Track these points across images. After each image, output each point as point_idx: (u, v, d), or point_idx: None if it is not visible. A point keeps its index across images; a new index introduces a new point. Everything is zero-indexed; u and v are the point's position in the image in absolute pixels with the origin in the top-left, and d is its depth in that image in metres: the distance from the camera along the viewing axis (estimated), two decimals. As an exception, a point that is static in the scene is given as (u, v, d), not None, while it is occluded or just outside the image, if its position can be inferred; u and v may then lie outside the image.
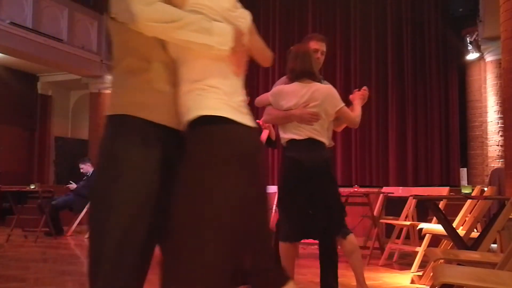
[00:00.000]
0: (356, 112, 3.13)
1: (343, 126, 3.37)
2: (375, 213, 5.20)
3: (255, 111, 2.88)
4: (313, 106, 2.93)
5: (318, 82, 3.04)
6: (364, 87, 3.28)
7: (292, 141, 3.00)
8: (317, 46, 3.31)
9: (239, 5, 1.65)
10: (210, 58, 1.52)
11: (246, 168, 1.46)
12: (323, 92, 2.96)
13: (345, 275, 3.88)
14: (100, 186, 1.49)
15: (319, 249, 3.21)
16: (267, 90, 3.86)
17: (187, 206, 1.43)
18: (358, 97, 3.21)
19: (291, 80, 3.06)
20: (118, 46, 1.58)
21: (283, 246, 3.08)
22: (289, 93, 3.00)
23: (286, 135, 3.05)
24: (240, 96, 1.57)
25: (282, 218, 3.14)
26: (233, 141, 1.47)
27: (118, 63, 1.56)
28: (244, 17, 1.65)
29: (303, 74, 3.00)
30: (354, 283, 3.52)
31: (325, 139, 3.02)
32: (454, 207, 4.57)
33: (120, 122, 1.50)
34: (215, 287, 1.41)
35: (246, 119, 1.53)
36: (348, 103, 3.16)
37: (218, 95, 1.50)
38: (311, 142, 2.96)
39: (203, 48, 1.48)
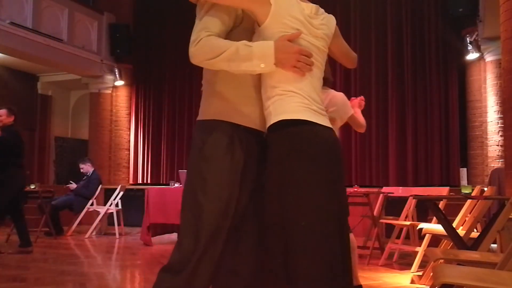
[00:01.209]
0: (360, 117, 3.40)
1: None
2: (375, 213, 5.20)
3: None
4: (332, 111, 3.11)
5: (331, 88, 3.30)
6: (361, 97, 3.51)
7: None
8: None
9: (321, 11, 1.78)
10: None
11: (330, 164, 1.62)
12: (340, 99, 3.21)
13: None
14: (191, 185, 1.68)
15: None
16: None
17: (286, 205, 1.58)
18: (356, 105, 3.44)
19: None
20: None
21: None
22: None
23: None
24: (317, 98, 1.67)
25: None
26: (315, 139, 1.60)
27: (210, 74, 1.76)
28: (326, 23, 1.76)
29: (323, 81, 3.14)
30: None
31: None
32: (454, 207, 4.57)
33: (210, 126, 1.69)
34: (334, 278, 1.55)
35: (324, 121, 1.65)
36: None
37: (297, 99, 1.62)
38: None
39: (248, 72, 1.63)
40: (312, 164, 1.58)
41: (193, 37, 1.63)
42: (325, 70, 3.13)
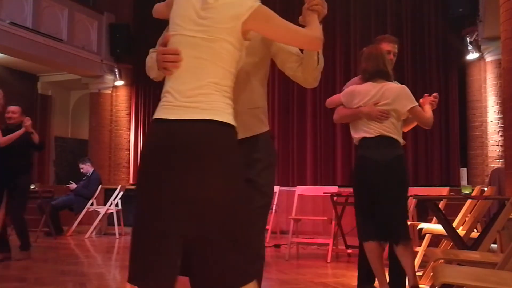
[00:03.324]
0: (428, 114, 3.18)
1: (411, 126, 3.41)
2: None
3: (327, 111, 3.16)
4: (383, 104, 3.00)
5: (391, 81, 3.11)
6: (435, 94, 3.31)
7: (363, 139, 3.06)
8: (390, 48, 3.48)
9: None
10: None
11: (154, 159, 1.63)
12: (395, 92, 3.04)
13: (345, 275, 3.89)
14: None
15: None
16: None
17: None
18: (429, 101, 3.26)
19: (365, 80, 3.16)
20: None
21: (367, 246, 3.07)
22: (361, 92, 3.10)
23: (357, 134, 3.11)
24: (188, 91, 1.63)
25: (362, 218, 3.12)
26: (149, 137, 1.69)
27: None
28: (215, 12, 1.61)
29: (376, 74, 3.10)
30: (354, 283, 3.53)
31: (398, 137, 3.06)
32: (454, 207, 4.57)
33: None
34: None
35: (185, 114, 1.60)
36: None
37: (165, 99, 1.65)
38: (383, 139, 3.01)
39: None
40: (141, 162, 1.64)
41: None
42: (384, 64, 3.11)
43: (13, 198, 4.97)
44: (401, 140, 3.09)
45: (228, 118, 1.58)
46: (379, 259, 3.03)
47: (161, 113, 1.60)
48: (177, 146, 1.54)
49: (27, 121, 5.04)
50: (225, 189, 1.54)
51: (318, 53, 1.83)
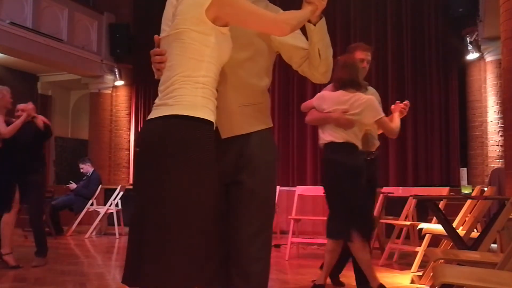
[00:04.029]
0: (395, 124, 3.41)
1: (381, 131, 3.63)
2: (375, 213, 5.19)
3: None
4: (352, 114, 3.22)
5: (362, 91, 3.35)
6: (406, 102, 3.57)
7: (330, 144, 3.30)
8: (363, 56, 3.66)
9: None
10: None
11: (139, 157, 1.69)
12: (364, 103, 3.23)
13: (345, 275, 3.88)
14: None
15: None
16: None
17: None
18: (399, 109, 3.52)
19: (337, 88, 3.37)
20: None
21: (329, 243, 3.37)
22: (331, 99, 3.34)
23: (324, 136, 3.34)
24: (166, 89, 1.63)
25: (329, 215, 3.42)
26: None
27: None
28: (184, 5, 1.63)
29: (349, 84, 3.31)
30: (354, 283, 3.54)
31: (359, 144, 3.31)
32: (454, 207, 4.57)
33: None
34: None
35: (156, 113, 1.61)
36: None
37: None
38: (347, 146, 3.26)
39: None
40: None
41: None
42: (356, 75, 3.32)
43: (29, 202, 4.74)
44: (361, 147, 3.34)
45: (193, 111, 1.54)
46: (334, 258, 3.40)
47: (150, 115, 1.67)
48: (142, 146, 1.59)
49: (29, 105, 4.77)
50: (173, 187, 1.50)
51: (319, 49, 1.79)
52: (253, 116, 1.80)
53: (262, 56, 1.82)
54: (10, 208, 4.61)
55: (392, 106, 3.54)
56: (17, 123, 4.68)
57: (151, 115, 1.60)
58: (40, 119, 4.88)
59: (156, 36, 1.71)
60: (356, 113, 3.20)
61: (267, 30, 1.71)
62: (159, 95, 1.62)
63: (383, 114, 3.26)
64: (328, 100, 3.33)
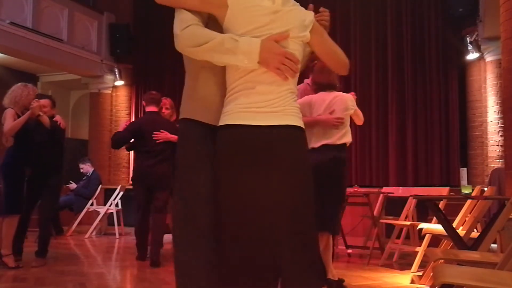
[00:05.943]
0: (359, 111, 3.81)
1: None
2: (375, 213, 5.21)
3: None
4: (336, 112, 3.47)
5: (337, 91, 3.65)
6: (352, 93, 3.91)
7: (325, 146, 3.48)
8: None
9: (292, 2, 1.74)
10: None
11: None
12: (343, 100, 3.56)
13: (344, 275, 3.88)
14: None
15: None
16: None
17: None
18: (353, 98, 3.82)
19: (316, 91, 3.65)
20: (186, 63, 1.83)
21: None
22: (317, 102, 3.57)
23: (318, 142, 3.52)
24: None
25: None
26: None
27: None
28: (294, 15, 1.70)
29: (327, 86, 3.61)
30: (354, 283, 3.54)
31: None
32: (454, 207, 4.57)
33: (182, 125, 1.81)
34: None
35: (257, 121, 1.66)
36: None
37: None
38: (340, 146, 3.56)
39: (229, 65, 1.66)
40: None
41: (180, 23, 1.65)
42: (334, 78, 3.61)
43: (42, 202, 4.71)
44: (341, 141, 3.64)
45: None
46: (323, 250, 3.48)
47: None
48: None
49: (34, 103, 4.50)
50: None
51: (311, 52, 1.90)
52: None
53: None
54: (22, 209, 4.54)
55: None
56: (20, 120, 4.46)
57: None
58: (44, 119, 4.65)
59: (285, 33, 1.66)
60: (341, 109, 3.52)
61: None
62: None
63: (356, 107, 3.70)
64: (315, 105, 3.57)
